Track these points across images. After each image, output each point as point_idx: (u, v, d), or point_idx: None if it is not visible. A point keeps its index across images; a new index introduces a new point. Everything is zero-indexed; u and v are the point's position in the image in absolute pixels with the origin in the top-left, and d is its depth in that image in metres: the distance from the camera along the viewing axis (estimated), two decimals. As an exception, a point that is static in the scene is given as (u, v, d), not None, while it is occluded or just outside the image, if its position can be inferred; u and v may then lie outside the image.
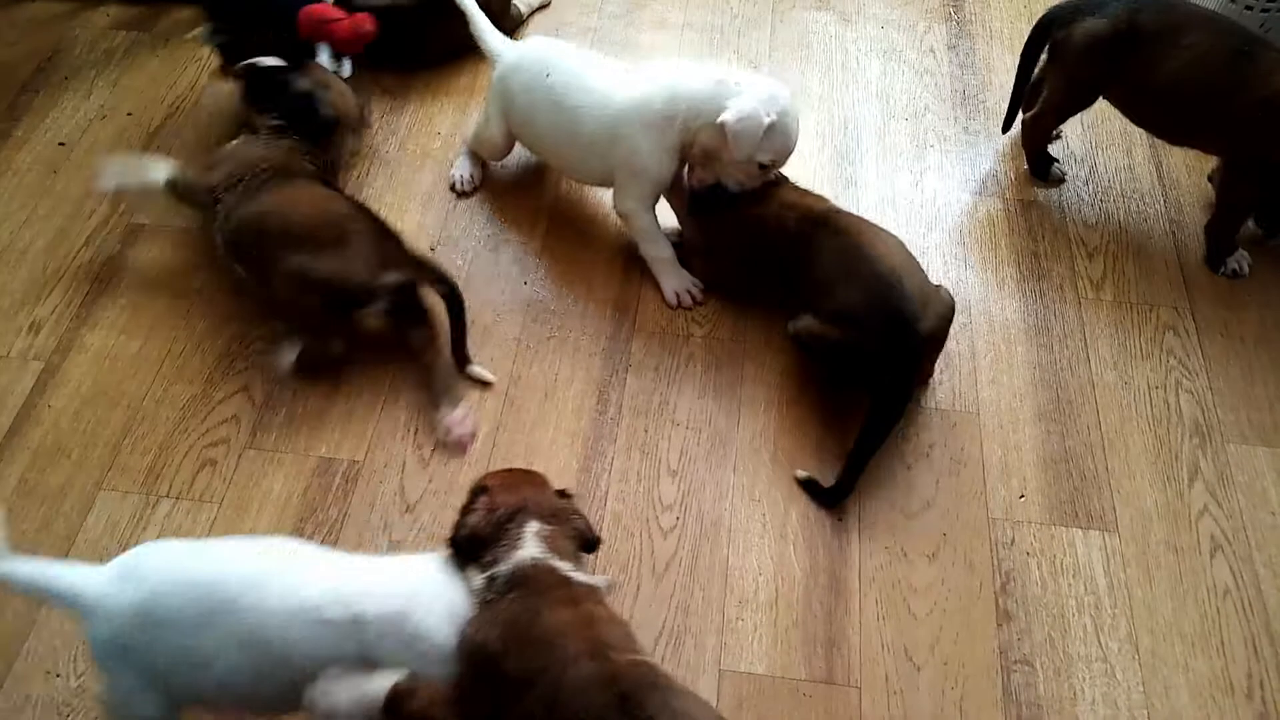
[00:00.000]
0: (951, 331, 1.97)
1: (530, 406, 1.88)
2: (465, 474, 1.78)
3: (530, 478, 1.46)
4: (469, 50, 2.35)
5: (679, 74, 1.91)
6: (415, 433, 1.84)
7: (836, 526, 1.74)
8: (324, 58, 2.23)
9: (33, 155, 2.26)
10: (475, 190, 2.23)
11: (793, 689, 1.56)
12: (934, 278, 2.05)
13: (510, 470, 1.49)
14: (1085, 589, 1.67)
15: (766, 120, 1.81)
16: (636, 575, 1.67)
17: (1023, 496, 1.78)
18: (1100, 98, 2.13)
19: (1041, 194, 2.25)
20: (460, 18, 2.30)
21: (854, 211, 1.93)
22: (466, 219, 2.18)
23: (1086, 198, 2.24)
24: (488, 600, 1.29)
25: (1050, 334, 2.01)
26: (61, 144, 2.28)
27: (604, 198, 2.19)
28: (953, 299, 1.85)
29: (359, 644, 1.26)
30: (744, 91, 1.83)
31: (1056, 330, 2.02)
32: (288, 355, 1.84)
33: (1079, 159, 2.32)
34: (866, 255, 1.77)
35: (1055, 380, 1.94)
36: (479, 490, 1.41)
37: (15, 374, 1.88)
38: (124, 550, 1.33)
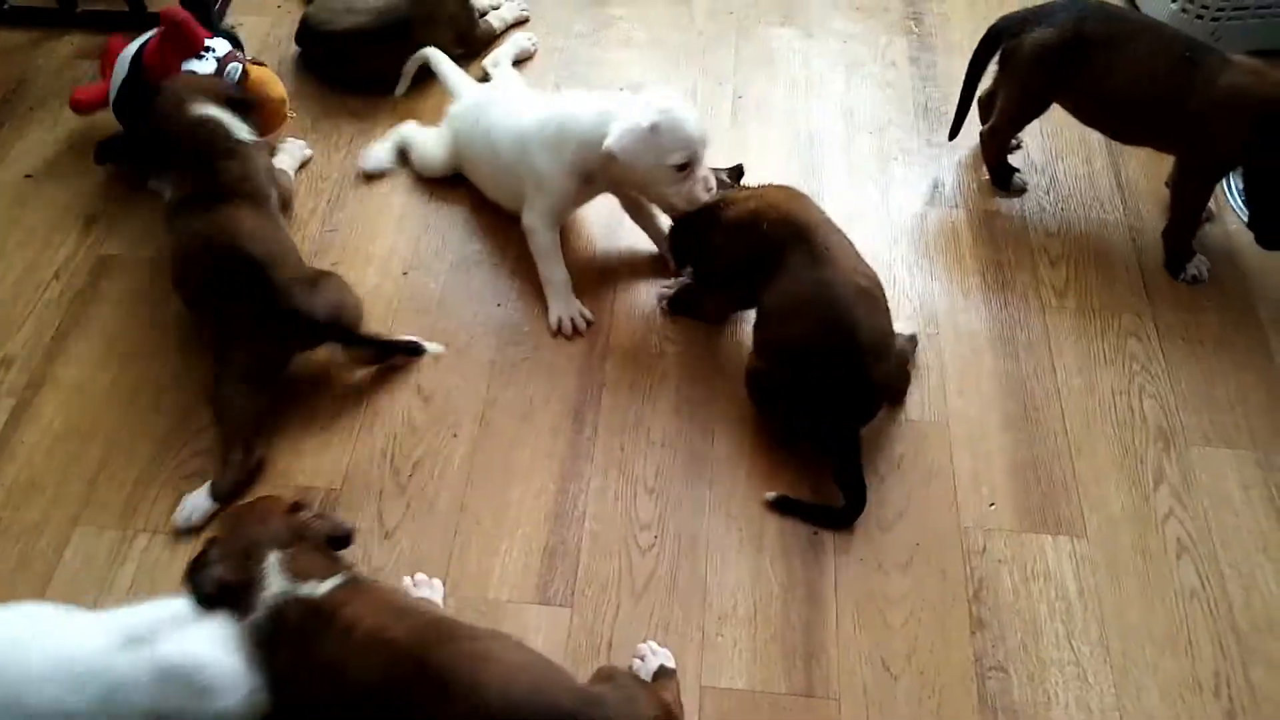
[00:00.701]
0: (920, 342, 2.02)
1: (507, 429, 1.90)
2: (443, 499, 1.80)
3: (255, 508, 1.48)
4: (433, 73, 2.38)
5: (571, 106, 1.99)
6: (392, 459, 1.85)
7: (812, 540, 1.76)
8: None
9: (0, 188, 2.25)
10: (385, 175, 2.30)
11: (773, 703, 1.58)
12: (901, 290, 2.12)
13: (234, 511, 1.56)
14: (1056, 594, 1.70)
15: (645, 124, 1.84)
16: (616, 595, 1.69)
17: (993, 505, 1.82)
18: (1054, 106, 2.17)
19: (1004, 204, 2.29)
20: (424, 38, 2.34)
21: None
22: (438, 242, 2.19)
23: (1048, 206, 2.29)
24: (260, 650, 1.31)
25: (1016, 343, 2.05)
26: (28, 176, 2.27)
27: (570, 221, 2.21)
28: (914, 347, 1.96)
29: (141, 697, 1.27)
30: (620, 113, 1.88)
31: (1022, 339, 2.06)
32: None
33: (1039, 168, 2.37)
34: (830, 286, 1.75)
35: (1022, 389, 1.98)
36: (209, 542, 1.42)
37: (-13, 410, 1.88)
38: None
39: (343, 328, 1.86)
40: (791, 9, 2.75)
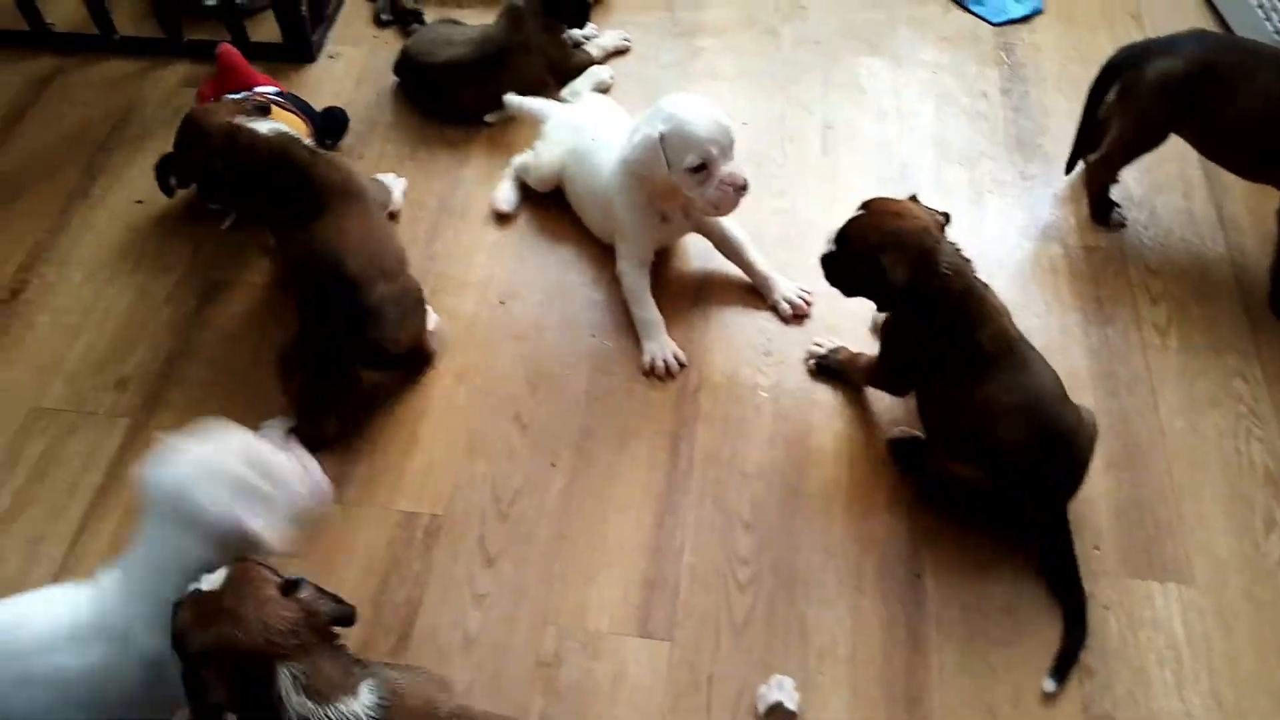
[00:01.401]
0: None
1: (603, 460, 1.91)
2: (543, 528, 1.82)
3: (244, 596, 1.19)
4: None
5: (625, 140, 2.03)
6: (493, 485, 1.87)
7: (912, 581, 1.75)
8: None
9: (111, 213, 2.33)
10: (515, 214, 2.31)
11: (876, 745, 1.57)
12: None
13: (211, 615, 1.18)
14: (1165, 642, 1.67)
15: (655, 134, 1.90)
16: (716, 630, 1.69)
17: (1097, 548, 1.79)
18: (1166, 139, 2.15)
19: (1103, 239, 2.26)
20: (519, 68, 2.38)
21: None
22: (533, 270, 2.22)
23: (1148, 242, 2.25)
24: None
25: (1117, 380, 2.02)
26: (139, 202, 2.35)
27: (664, 253, 2.24)
28: (1094, 421, 1.78)
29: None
30: (637, 128, 1.97)
31: (1123, 377, 2.02)
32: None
33: (1138, 202, 2.33)
34: (1042, 402, 1.68)
35: (1124, 428, 1.95)
36: (199, 661, 1.16)
37: (104, 431, 1.94)
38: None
39: (421, 357, 1.95)
40: (879, 39, 2.75)
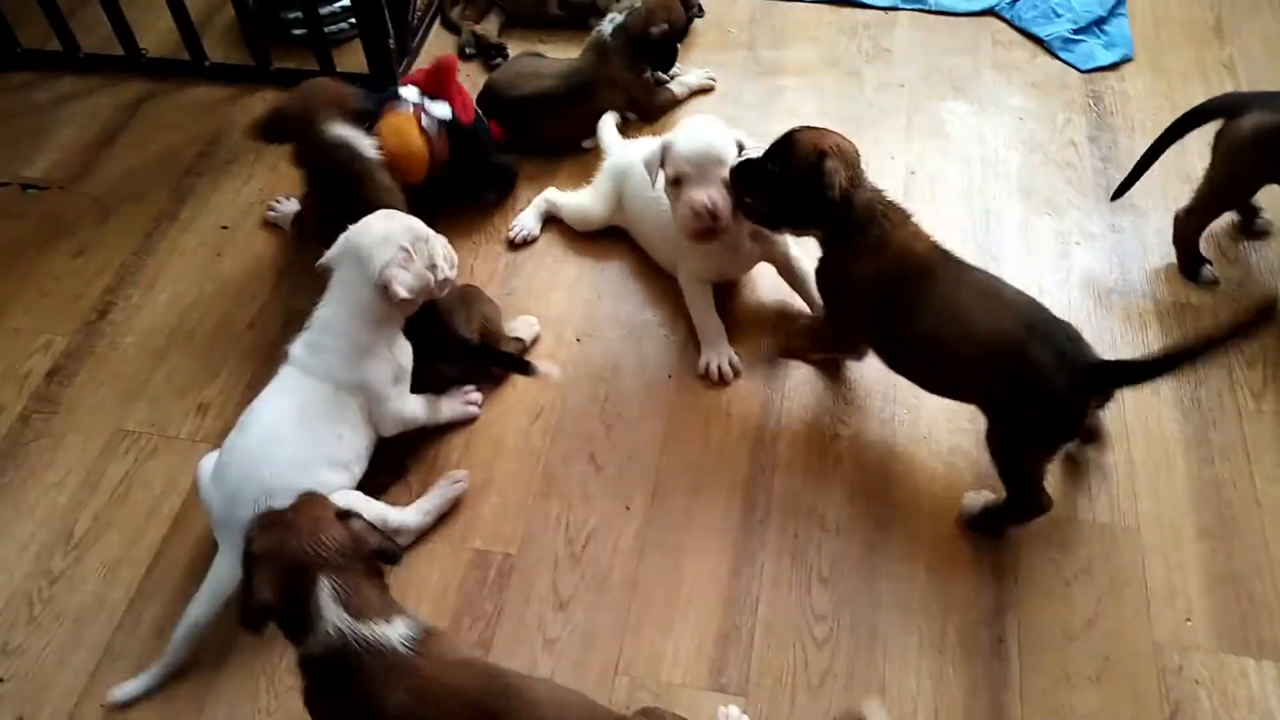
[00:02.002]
0: (1109, 440, 1.94)
1: (678, 505, 1.89)
2: (617, 573, 1.79)
3: (304, 514, 1.32)
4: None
5: None
6: (567, 527, 1.86)
7: (995, 645, 1.70)
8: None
9: (198, 238, 2.36)
10: (532, 243, 2.34)
11: (957, 818, 1.52)
12: (1086, 382, 2.04)
13: (281, 517, 1.33)
14: (1262, 725, 1.60)
15: (660, 144, 2.00)
16: (792, 688, 1.65)
17: (1189, 620, 1.72)
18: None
19: (1194, 296, 2.20)
20: (602, 103, 2.42)
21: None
22: (611, 309, 2.21)
23: (1243, 300, 2.18)
24: (319, 688, 1.29)
25: (1210, 446, 1.95)
26: (224, 227, 2.38)
27: (746, 290, 2.22)
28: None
29: None
30: None
31: (1217, 442, 1.96)
32: None
33: (1230, 259, 2.26)
34: (996, 286, 1.72)
35: (1218, 496, 1.88)
36: (254, 561, 1.29)
37: (185, 455, 1.95)
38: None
39: (489, 347, 2.01)
40: (964, 83, 2.71)
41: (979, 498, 1.84)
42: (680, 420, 2.01)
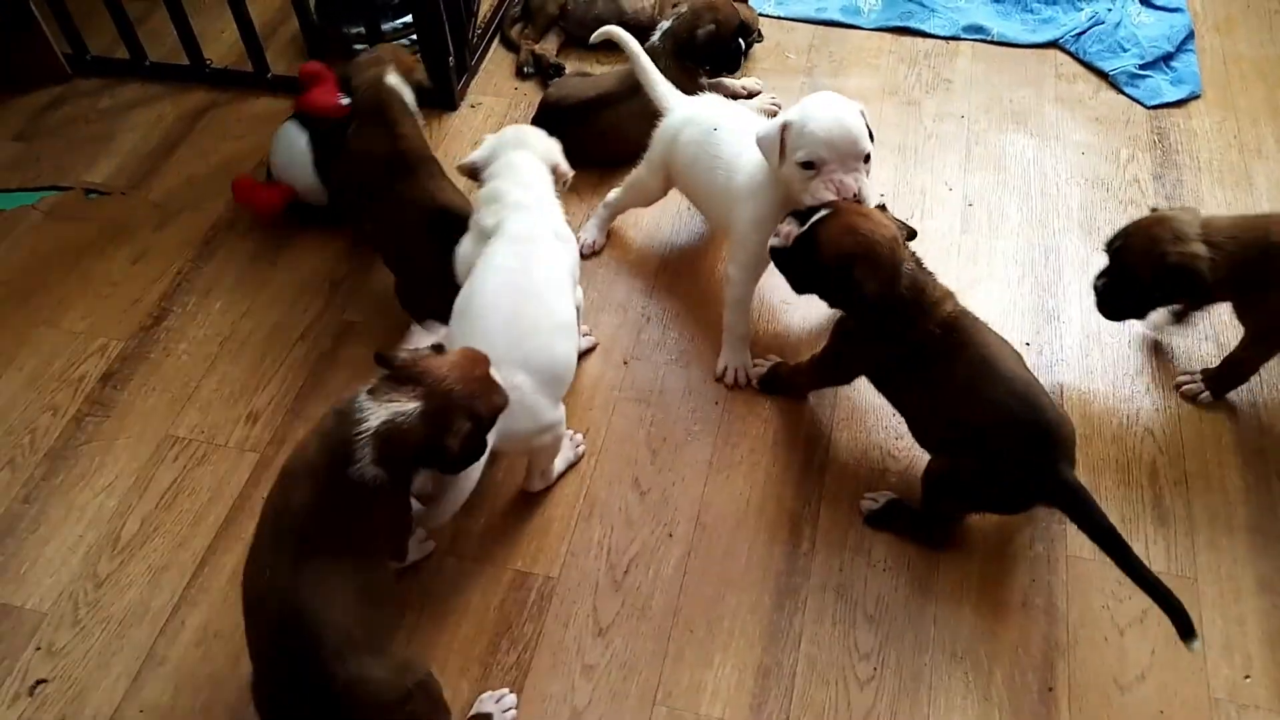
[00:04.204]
0: (1167, 488, 1.89)
1: (721, 533, 1.86)
2: (657, 601, 1.77)
3: (480, 384, 1.49)
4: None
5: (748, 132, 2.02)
6: (609, 552, 1.84)
7: (1044, 695, 1.65)
8: None
9: (256, 246, 2.39)
10: (598, 253, 2.34)
11: None
12: (1144, 424, 2.00)
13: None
14: (1325, 792, 1.54)
15: (779, 123, 1.86)
16: (833, 727, 1.62)
17: (1248, 677, 1.66)
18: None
19: (1260, 341, 2.14)
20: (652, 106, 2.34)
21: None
22: (659, 332, 2.19)
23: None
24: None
25: (1273, 495, 1.89)
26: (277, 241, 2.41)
27: (795, 316, 2.19)
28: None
29: None
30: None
31: (1278, 491, 1.90)
32: None
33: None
34: (997, 370, 1.68)
35: (1277, 549, 1.82)
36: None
37: (233, 464, 1.97)
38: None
39: None
40: (1025, 115, 2.68)
41: (881, 496, 1.88)
42: (725, 447, 1.99)
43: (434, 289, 1.92)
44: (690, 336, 2.19)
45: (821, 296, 1.80)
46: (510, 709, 1.63)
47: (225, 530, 1.87)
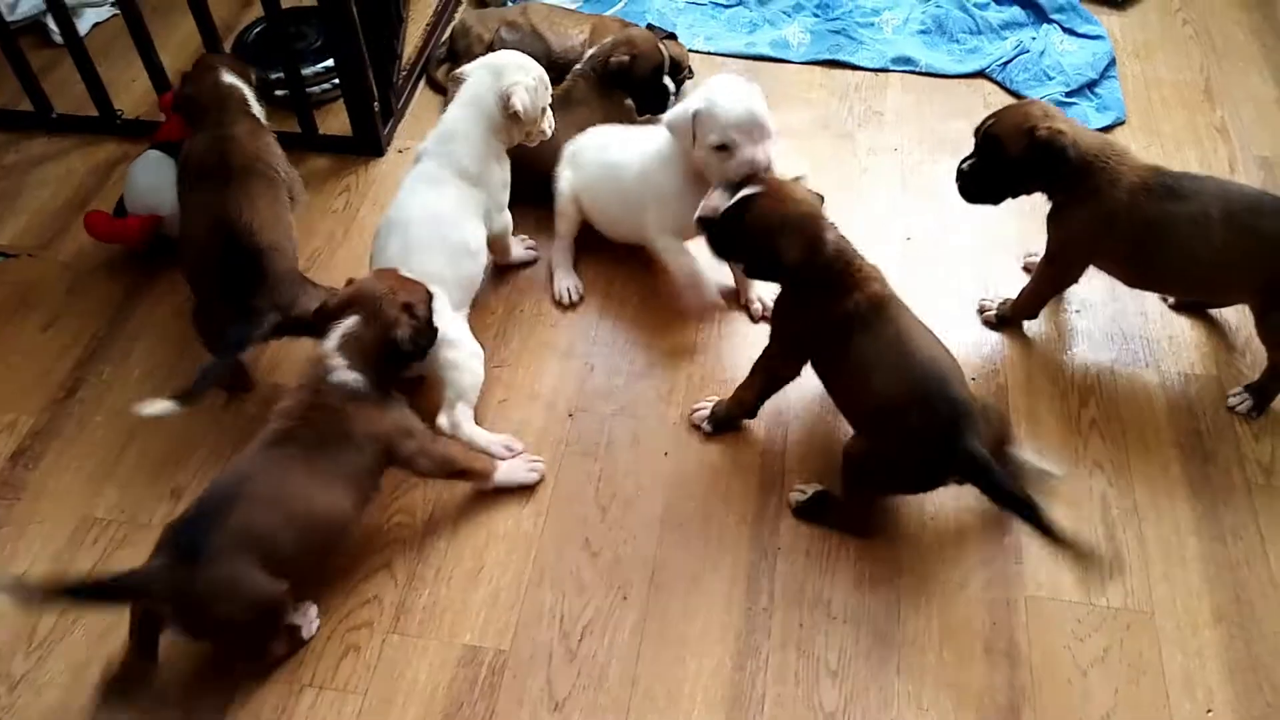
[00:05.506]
0: (1118, 519, 1.89)
1: (678, 593, 1.81)
2: (614, 670, 1.71)
3: (399, 284, 1.74)
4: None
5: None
6: (561, 619, 1.77)
7: (1014, 743, 1.62)
8: None
9: (173, 310, 2.26)
10: (581, 300, 2.30)
11: None
12: (1094, 456, 2.00)
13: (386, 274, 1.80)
14: (1295, 830, 1.53)
15: (689, 110, 2.01)
16: (802, 794, 1.57)
17: (1210, 711, 1.66)
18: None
19: (1199, 366, 2.16)
20: (579, 114, 2.45)
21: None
22: (604, 382, 2.14)
23: (1245, 370, 2.14)
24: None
25: (1222, 524, 1.90)
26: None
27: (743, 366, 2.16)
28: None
29: None
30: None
31: (1228, 520, 1.91)
32: None
33: (1234, 328, 2.23)
34: (917, 346, 1.74)
35: (1232, 577, 1.83)
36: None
37: (157, 545, 1.85)
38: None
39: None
40: (957, 145, 2.65)
41: (809, 488, 1.91)
42: (678, 501, 1.94)
43: (220, 317, 1.90)
44: (635, 383, 2.14)
45: (747, 265, 1.91)
46: None
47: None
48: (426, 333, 1.77)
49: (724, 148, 1.98)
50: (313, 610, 1.74)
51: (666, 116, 2.10)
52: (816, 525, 1.88)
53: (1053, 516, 1.60)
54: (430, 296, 1.79)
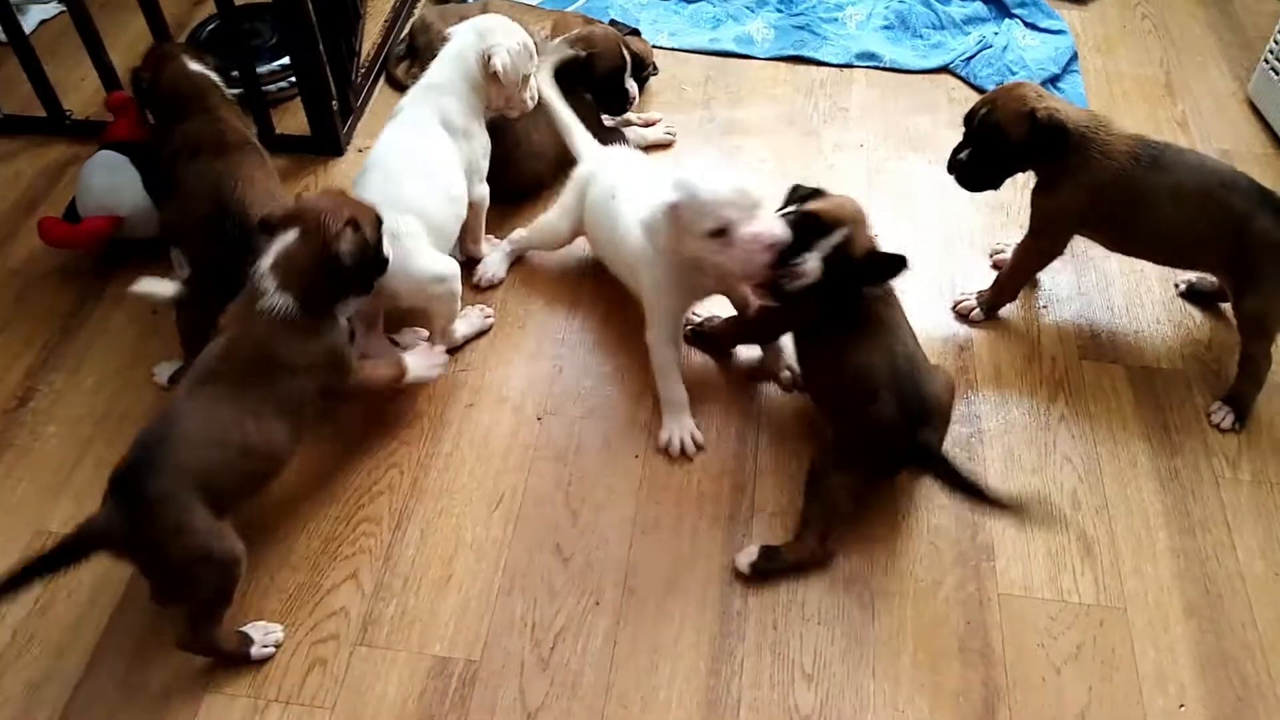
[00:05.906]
0: (1089, 515, 1.90)
1: (651, 598, 1.78)
2: (588, 677, 1.68)
3: (347, 201, 1.71)
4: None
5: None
6: (533, 627, 1.74)
7: (990, 743, 1.62)
8: None
9: (127, 315, 2.21)
10: (497, 286, 2.30)
11: None
12: (1063, 453, 2.00)
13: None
14: (1268, 822, 1.54)
15: (664, 206, 1.82)
16: (780, 799, 1.56)
17: (1183, 706, 1.67)
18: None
19: (1165, 359, 2.17)
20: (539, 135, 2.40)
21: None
22: (573, 384, 2.11)
23: (1210, 364, 2.16)
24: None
25: (1190, 518, 1.91)
26: (155, 312, 2.22)
27: (713, 365, 2.14)
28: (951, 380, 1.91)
29: None
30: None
31: (1196, 514, 1.92)
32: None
33: (1198, 322, 2.25)
34: (898, 339, 1.82)
35: (1201, 571, 1.84)
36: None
37: (113, 559, 1.79)
38: None
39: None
40: (922, 141, 2.68)
41: (751, 550, 1.81)
42: (649, 503, 1.92)
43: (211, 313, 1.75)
44: (604, 386, 2.11)
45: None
46: None
47: (110, 634, 1.71)
48: (374, 258, 1.72)
49: (721, 232, 1.79)
50: (276, 628, 1.70)
51: (643, 218, 1.89)
52: (778, 579, 1.81)
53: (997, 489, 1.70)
54: (379, 220, 1.75)
